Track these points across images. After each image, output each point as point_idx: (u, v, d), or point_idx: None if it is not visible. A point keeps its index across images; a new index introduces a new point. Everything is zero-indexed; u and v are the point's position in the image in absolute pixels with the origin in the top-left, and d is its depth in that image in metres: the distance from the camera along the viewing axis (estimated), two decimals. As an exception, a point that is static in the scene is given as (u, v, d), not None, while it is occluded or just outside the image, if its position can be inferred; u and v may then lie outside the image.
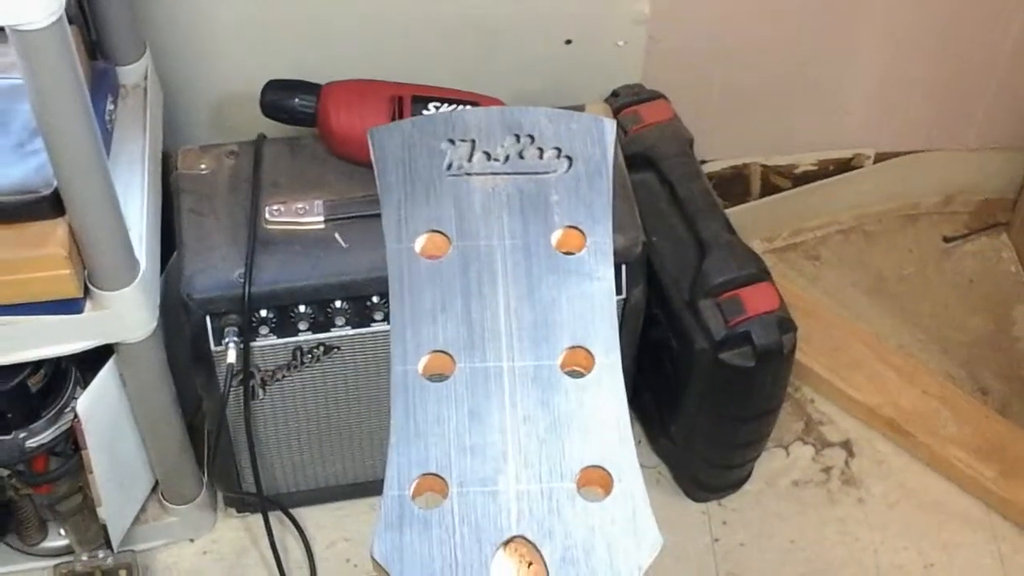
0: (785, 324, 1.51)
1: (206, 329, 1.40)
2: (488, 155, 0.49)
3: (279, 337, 1.43)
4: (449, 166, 0.49)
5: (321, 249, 1.42)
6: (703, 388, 1.57)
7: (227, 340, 1.40)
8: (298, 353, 1.45)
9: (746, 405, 1.58)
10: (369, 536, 0.47)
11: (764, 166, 2.00)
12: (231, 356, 1.40)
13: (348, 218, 1.44)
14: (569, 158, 0.50)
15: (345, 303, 1.41)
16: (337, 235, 1.43)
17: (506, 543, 0.44)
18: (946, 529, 1.75)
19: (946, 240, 2.06)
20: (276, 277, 1.40)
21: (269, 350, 1.44)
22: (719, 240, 1.55)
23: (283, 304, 1.41)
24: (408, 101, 1.48)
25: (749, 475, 1.77)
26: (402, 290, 0.48)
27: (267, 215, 1.43)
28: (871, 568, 1.71)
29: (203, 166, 1.48)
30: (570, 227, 0.48)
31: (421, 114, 1.49)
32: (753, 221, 1.97)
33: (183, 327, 1.41)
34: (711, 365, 1.52)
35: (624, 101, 1.67)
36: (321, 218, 1.44)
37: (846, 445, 1.83)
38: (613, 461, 0.45)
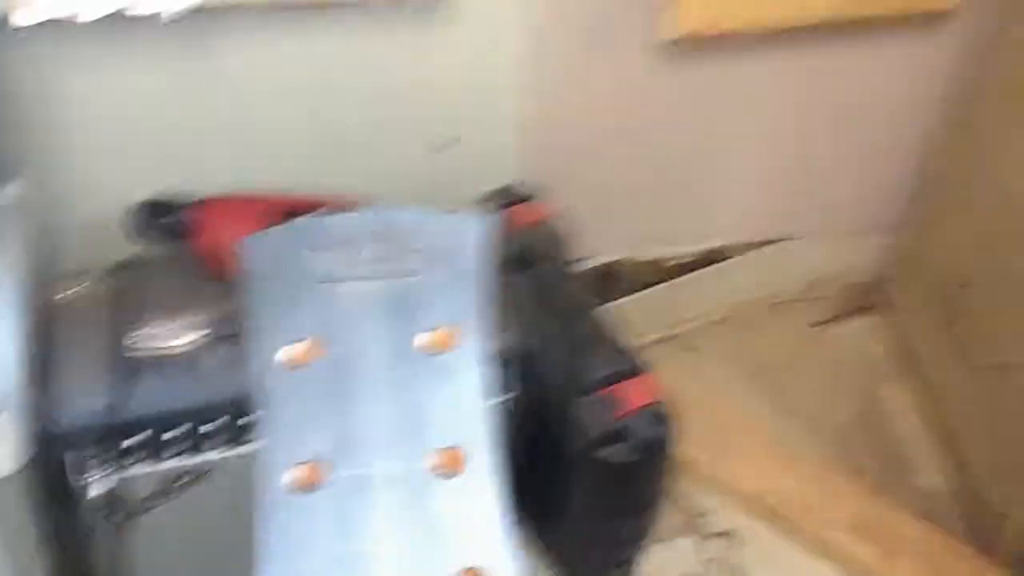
0: (663, 417, 1.52)
1: (69, 462, 1.36)
2: (354, 261, 0.50)
3: (149, 465, 1.39)
4: (315, 275, 0.49)
5: (191, 371, 1.40)
6: (584, 486, 1.57)
7: (92, 473, 1.36)
8: (169, 480, 1.41)
9: (628, 501, 1.58)
10: None
11: (636, 261, 2.03)
12: (97, 490, 1.36)
13: (219, 337, 1.42)
14: (437, 259, 0.50)
15: (216, 425, 1.39)
16: (207, 355, 1.41)
17: None
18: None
19: (814, 325, 2.11)
20: (143, 403, 1.37)
21: (138, 480, 1.40)
22: (592, 338, 1.56)
23: (151, 431, 1.37)
24: (280, 214, 1.48)
25: (634, 572, 1.77)
26: (269, 403, 0.48)
27: (135, 340, 1.41)
28: (762, 656, 1.72)
29: (71, 291, 1.46)
30: (438, 328, 0.49)
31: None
32: (629, 316, 2.00)
33: (45, 461, 1.37)
34: (590, 463, 1.52)
35: (497, 203, 1.69)
36: (191, 339, 1.42)
37: (729, 535, 1.85)
38: (489, 563, 0.45)
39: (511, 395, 1.50)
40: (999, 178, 1.78)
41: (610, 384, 1.53)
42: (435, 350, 0.49)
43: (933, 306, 1.98)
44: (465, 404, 0.48)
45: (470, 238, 0.51)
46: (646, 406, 1.52)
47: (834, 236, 2.09)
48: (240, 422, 1.39)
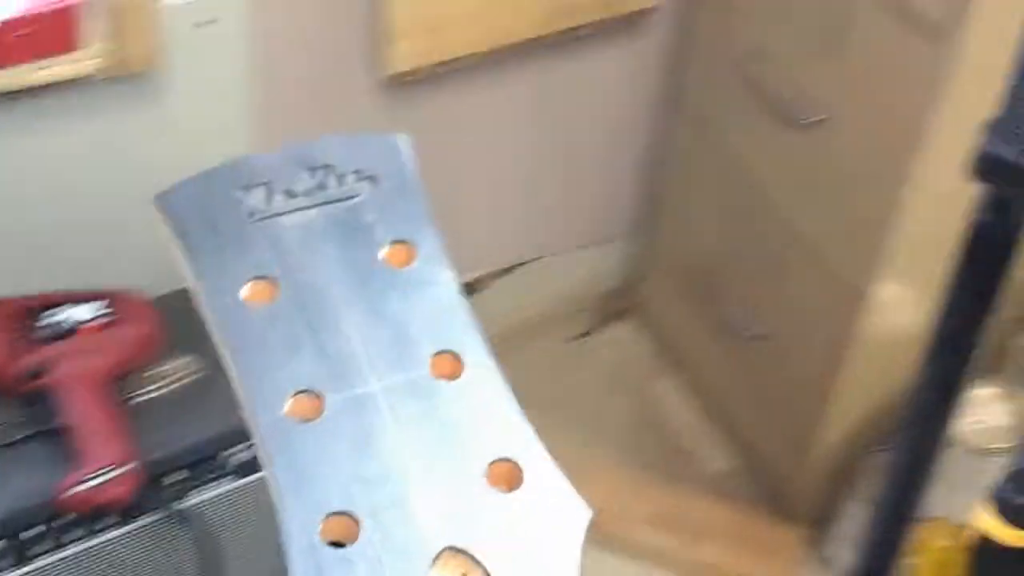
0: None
1: None
2: (289, 193, 0.47)
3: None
4: (252, 213, 0.46)
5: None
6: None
7: None
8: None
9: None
10: None
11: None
12: None
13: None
14: (371, 177, 0.48)
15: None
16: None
17: (435, 559, 0.41)
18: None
19: (576, 338, 2.14)
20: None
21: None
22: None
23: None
24: (36, 310, 1.41)
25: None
26: (240, 344, 0.44)
27: None
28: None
29: None
30: (394, 242, 0.47)
31: (47, 322, 1.42)
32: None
33: None
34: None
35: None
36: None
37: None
38: (517, 451, 0.43)
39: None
40: (727, 151, 1.85)
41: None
42: (397, 263, 0.46)
43: (687, 296, 2.04)
44: (447, 309, 0.46)
45: (396, 153, 0.48)
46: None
47: (580, 248, 2.13)
48: (20, 540, 1.30)
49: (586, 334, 2.15)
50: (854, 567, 1.02)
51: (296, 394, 0.44)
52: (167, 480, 1.40)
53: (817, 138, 1.66)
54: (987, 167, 0.82)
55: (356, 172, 0.48)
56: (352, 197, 0.47)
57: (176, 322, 1.51)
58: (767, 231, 1.76)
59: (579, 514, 0.43)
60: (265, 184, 0.47)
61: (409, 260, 0.47)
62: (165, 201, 0.47)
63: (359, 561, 0.41)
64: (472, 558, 0.42)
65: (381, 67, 1.72)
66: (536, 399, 1.99)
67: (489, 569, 0.42)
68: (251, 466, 1.44)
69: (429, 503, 0.42)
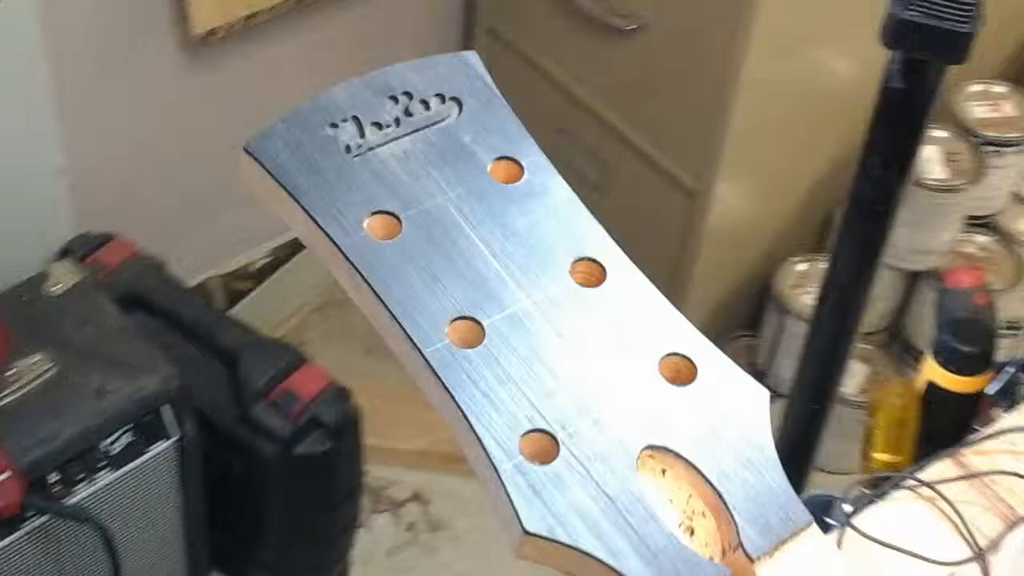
0: (343, 395, 1.49)
1: None
2: (378, 125, 0.45)
3: None
4: (348, 148, 0.44)
5: None
6: (285, 494, 1.51)
7: None
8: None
9: (333, 490, 1.54)
10: (502, 524, 0.41)
11: (223, 275, 1.96)
12: None
13: None
14: (456, 99, 0.46)
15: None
16: None
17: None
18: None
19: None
20: None
21: None
22: (243, 344, 1.50)
23: None
24: None
25: (347, 566, 1.73)
26: (383, 280, 0.42)
27: None
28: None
29: None
30: (498, 159, 0.45)
31: None
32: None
33: None
34: (287, 465, 1.47)
35: (82, 252, 1.58)
36: None
37: (417, 497, 1.84)
38: (683, 344, 0.43)
39: (188, 432, 1.42)
40: (544, 70, 1.86)
41: (278, 382, 1.48)
42: (508, 179, 0.45)
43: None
44: (571, 217, 0.45)
45: (473, 68, 0.47)
46: (322, 391, 1.48)
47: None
48: None
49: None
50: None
51: (453, 322, 0.42)
52: (50, 479, 1.35)
53: (637, 45, 1.69)
54: (898, 32, 0.85)
55: (438, 96, 0.47)
56: (442, 120, 0.46)
57: (16, 321, 1.44)
58: (599, 144, 1.79)
59: (758, 395, 0.43)
60: (354, 118, 0.45)
61: (518, 175, 0.46)
62: (259, 148, 0.44)
63: (567, 473, 0.41)
64: (672, 453, 0.42)
65: (187, 28, 1.66)
66: (382, 343, 1.97)
67: (691, 460, 0.42)
68: (134, 452, 1.39)
69: (615, 407, 0.42)
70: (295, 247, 2.02)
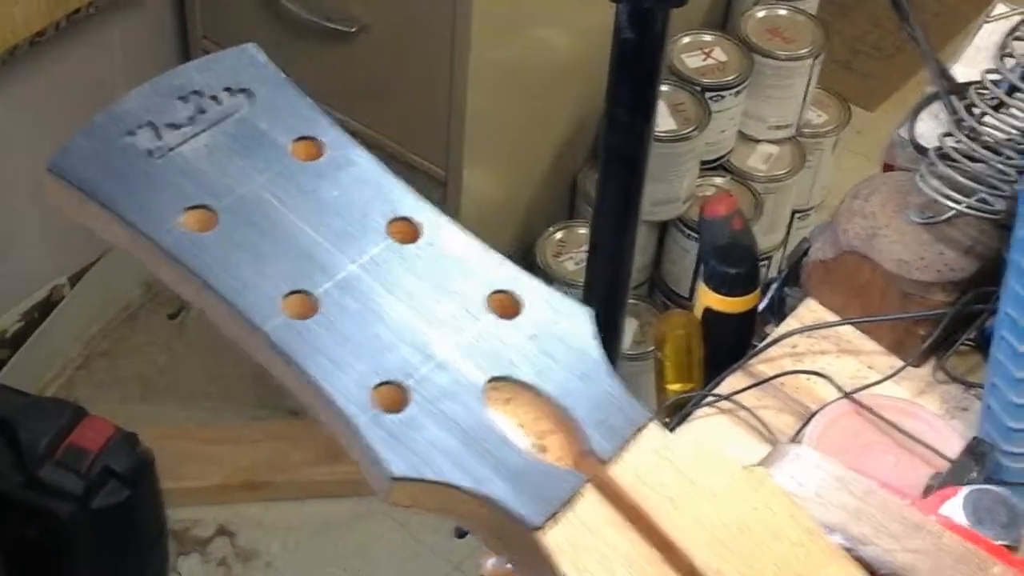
0: (132, 439, 1.46)
1: None
2: (173, 126, 0.45)
3: None
4: (150, 152, 0.45)
5: None
6: (89, 551, 1.47)
7: None
8: None
9: (138, 539, 1.51)
10: (369, 478, 0.42)
11: (-22, 345, 1.89)
12: None
13: None
14: (244, 90, 0.47)
15: None
16: None
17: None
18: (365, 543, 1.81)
19: (172, 317, 2.10)
20: None
21: None
22: (16, 407, 1.46)
23: None
24: None
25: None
26: (211, 270, 0.43)
27: None
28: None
29: None
30: (297, 140, 0.46)
31: None
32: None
33: None
34: (86, 521, 1.43)
35: None
36: None
37: (222, 531, 1.82)
38: (505, 280, 0.45)
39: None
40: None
41: (62, 439, 1.44)
42: (311, 157, 0.46)
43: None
44: (377, 182, 0.46)
45: (254, 61, 0.48)
46: (109, 440, 1.45)
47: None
48: None
49: (180, 311, 2.11)
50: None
51: (286, 297, 0.44)
52: None
53: (361, 47, 1.71)
54: (622, -15, 0.89)
55: (227, 89, 0.48)
56: (236, 111, 0.47)
57: None
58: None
59: (582, 313, 0.46)
60: (149, 123, 0.46)
61: (319, 151, 0.47)
62: (62, 165, 0.45)
63: (421, 416, 0.43)
64: (514, 381, 0.44)
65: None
66: (156, 384, 1.91)
67: (533, 385, 0.44)
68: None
69: (454, 349, 0.44)
70: (47, 306, 1.96)
